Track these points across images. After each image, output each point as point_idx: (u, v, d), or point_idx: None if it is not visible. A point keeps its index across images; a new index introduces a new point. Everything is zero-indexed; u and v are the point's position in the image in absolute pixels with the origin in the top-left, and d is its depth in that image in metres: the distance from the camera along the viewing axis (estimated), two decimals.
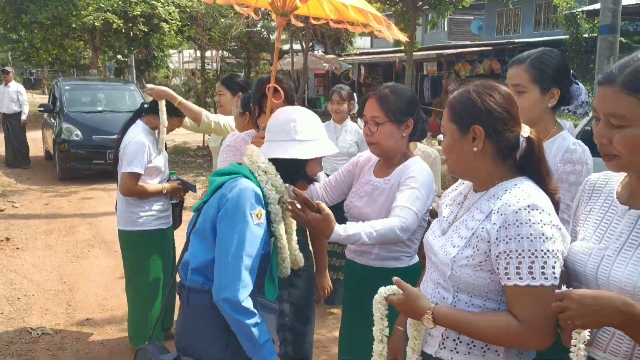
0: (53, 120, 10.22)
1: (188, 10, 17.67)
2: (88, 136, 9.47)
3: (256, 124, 2.80)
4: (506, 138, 1.52)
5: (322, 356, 3.70)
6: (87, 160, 9.49)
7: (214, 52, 22.69)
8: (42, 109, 10.67)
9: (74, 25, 16.22)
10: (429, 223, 2.13)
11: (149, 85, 3.40)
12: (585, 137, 3.58)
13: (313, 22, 2.85)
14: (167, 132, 3.53)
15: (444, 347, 1.57)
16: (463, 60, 17.20)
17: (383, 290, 1.61)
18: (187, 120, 3.67)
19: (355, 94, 4.84)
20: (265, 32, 21.57)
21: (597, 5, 10.04)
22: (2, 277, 5.11)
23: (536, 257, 1.39)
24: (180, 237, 3.16)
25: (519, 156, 1.56)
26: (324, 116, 4.70)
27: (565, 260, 1.45)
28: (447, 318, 1.49)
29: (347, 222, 1.97)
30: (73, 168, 9.55)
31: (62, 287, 4.93)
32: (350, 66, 22.83)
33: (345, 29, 2.78)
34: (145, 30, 17.55)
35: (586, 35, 15.15)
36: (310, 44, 19.86)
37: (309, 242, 2.84)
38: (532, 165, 1.55)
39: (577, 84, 2.14)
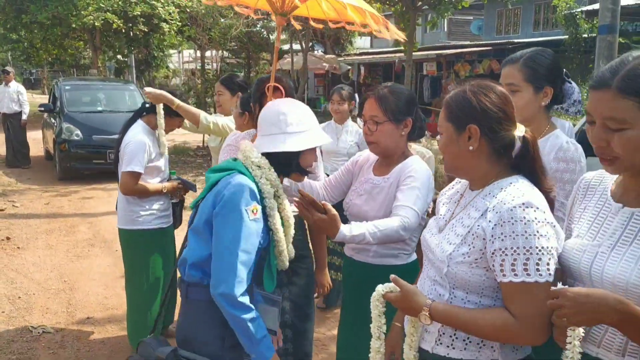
0: (53, 120, 10.24)
1: (188, 10, 17.67)
2: (88, 136, 9.50)
3: (256, 123, 2.82)
4: (501, 137, 1.54)
5: (321, 354, 3.72)
6: (88, 160, 9.51)
7: (214, 52, 22.66)
8: (42, 108, 10.68)
9: (74, 25, 16.24)
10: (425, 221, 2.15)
11: (147, 89, 3.42)
12: (583, 136, 3.58)
13: (313, 24, 2.87)
14: (167, 132, 3.55)
15: (441, 343, 1.59)
16: (463, 60, 17.19)
17: (380, 288, 1.64)
18: (186, 122, 3.69)
19: (356, 94, 4.80)
20: (265, 32, 21.56)
21: (596, 6, 10.04)
22: (3, 276, 5.13)
23: (531, 254, 1.41)
24: (180, 236, 3.18)
25: (514, 155, 1.57)
26: (324, 116, 4.69)
27: (560, 257, 1.47)
28: (443, 314, 1.51)
29: (351, 222, 1.99)
30: (73, 168, 9.57)
31: (63, 286, 4.95)
32: (350, 66, 22.82)
33: (343, 27, 2.79)
34: (145, 30, 17.57)
35: (585, 36, 15.17)
36: (310, 44, 19.84)
37: (309, 240, 2.86)
38: (527, 164, 1.57)
39: (570, 83, 2.16)
